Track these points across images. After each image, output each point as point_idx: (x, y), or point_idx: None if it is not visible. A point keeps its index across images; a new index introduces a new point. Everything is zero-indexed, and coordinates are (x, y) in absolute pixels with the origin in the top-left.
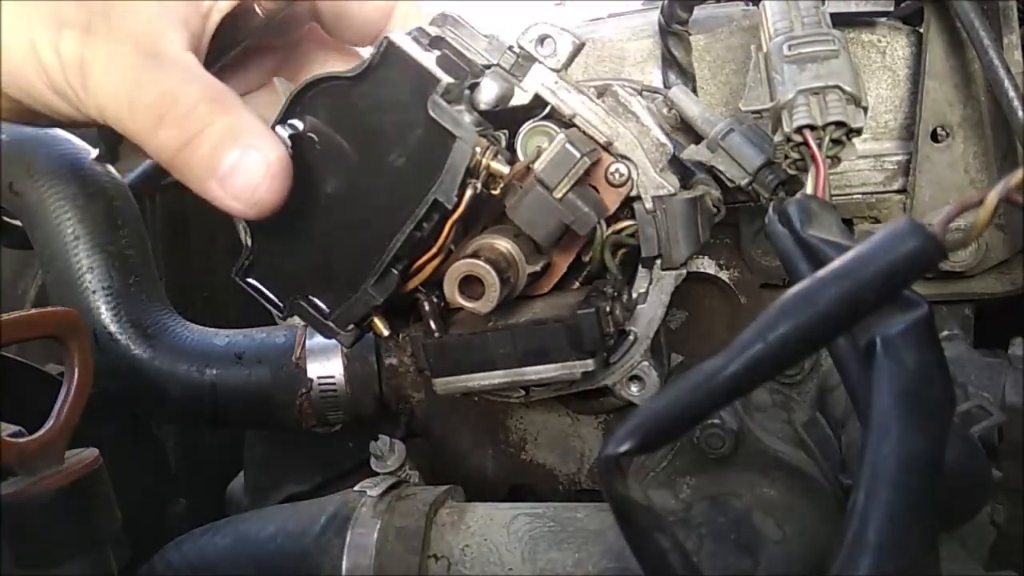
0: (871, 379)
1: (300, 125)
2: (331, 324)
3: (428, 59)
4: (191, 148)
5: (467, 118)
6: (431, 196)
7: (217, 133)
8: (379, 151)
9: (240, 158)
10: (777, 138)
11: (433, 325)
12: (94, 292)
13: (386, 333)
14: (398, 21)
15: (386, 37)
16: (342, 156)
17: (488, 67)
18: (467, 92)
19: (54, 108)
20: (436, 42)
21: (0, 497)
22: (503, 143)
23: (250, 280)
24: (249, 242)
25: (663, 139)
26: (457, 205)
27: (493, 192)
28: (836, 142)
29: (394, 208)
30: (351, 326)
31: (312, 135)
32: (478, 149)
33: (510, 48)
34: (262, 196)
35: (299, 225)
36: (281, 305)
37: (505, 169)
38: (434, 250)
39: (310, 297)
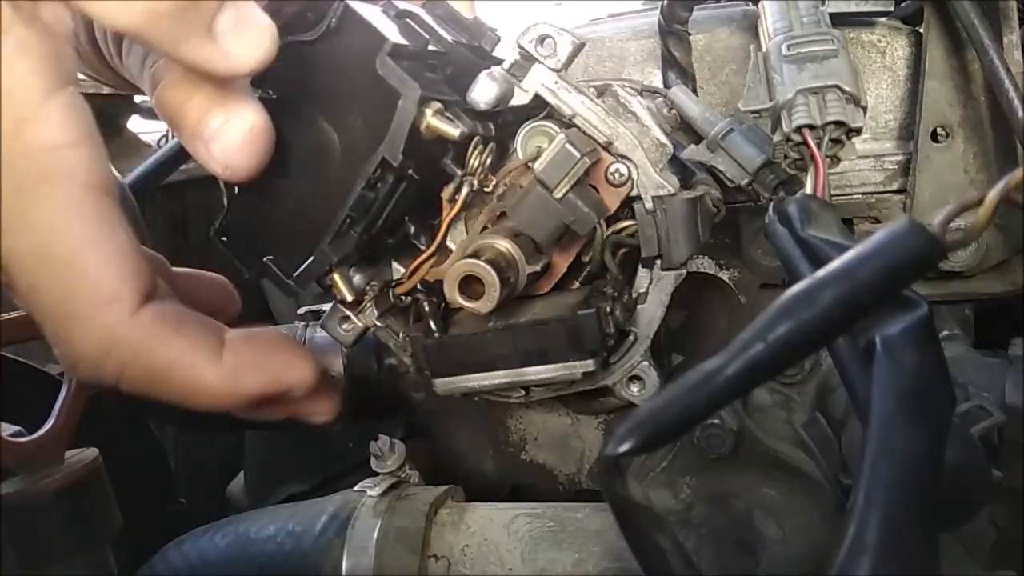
0: (871, 379)
1: (263, 87)
2: (292, 283)
3: (383, 22)
4: (183, 112)
5: (417, 83)
6: (378, 154)
7: (204, 97)
8: (338, 112)
9: (223, 123)
10: (776, 138)
11: (433, 325)
12: None
13: (349, 297)
14: None
15: (343, 1)
16: (304, 118)
17: (459, 43)
18: (432, 62)
19: None
20: (404, 14)
21: (0, 497)
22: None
23: (224, 240)
24: (226, 202)
25: (663, 139)
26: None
27: (487, 189)
28: (835, 142)
29: (353, 169)
30: (318, 291)
31: (274, 96)
32: (428, 111)
33: (492, 31)
34: (240, 160)
35: (266, 187)
36: (249, 266)
37: (453, 131)
38: (431, 249)
39: (277, 258)
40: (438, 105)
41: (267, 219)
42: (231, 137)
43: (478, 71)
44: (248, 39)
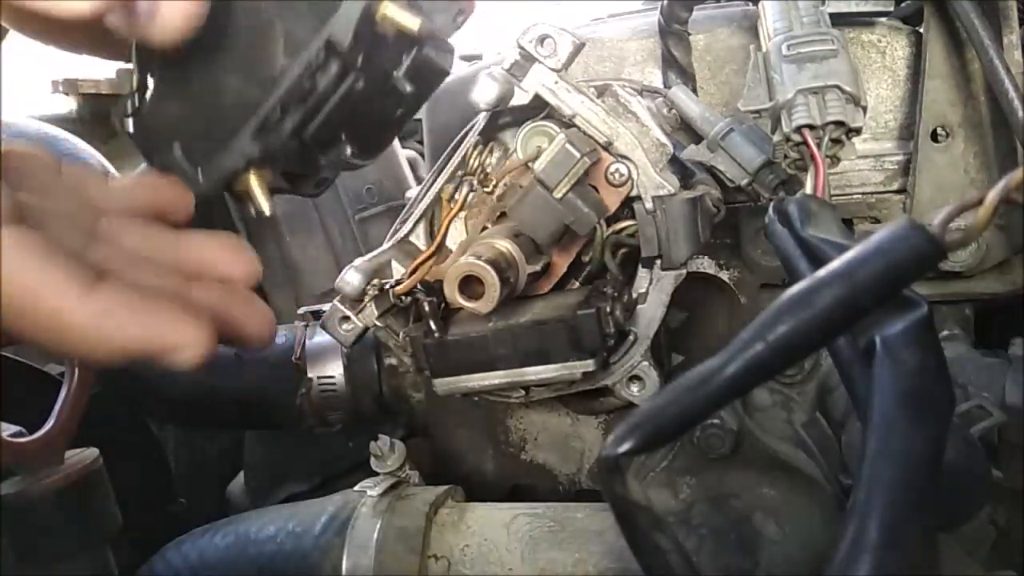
0: (871, 379)
1: None
2: (199, 177)
3: None
4: None
5: None
6: (324, 33)
7: None
8: None
9: None
10: (776, 138)
11: (433, 325)
12: None
13: (266, 209)
14: None
15: None
16: None
17: None
18: None
19: None
20: None
21: (0, 497)
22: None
23: (129, 124)
24: (135, 82)
25: (663, 139)
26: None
27: (487, 189)
28: (835, 141)
29: (291, 51)
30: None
31: None
32: None
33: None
34: (175, 14)
35: (188, 67)
36: (154, 156)
37: (414, 23)
38: (431, 249)
39: (188, 149)
40: None
41: (184, 105)
42: None
43: (447, 2)
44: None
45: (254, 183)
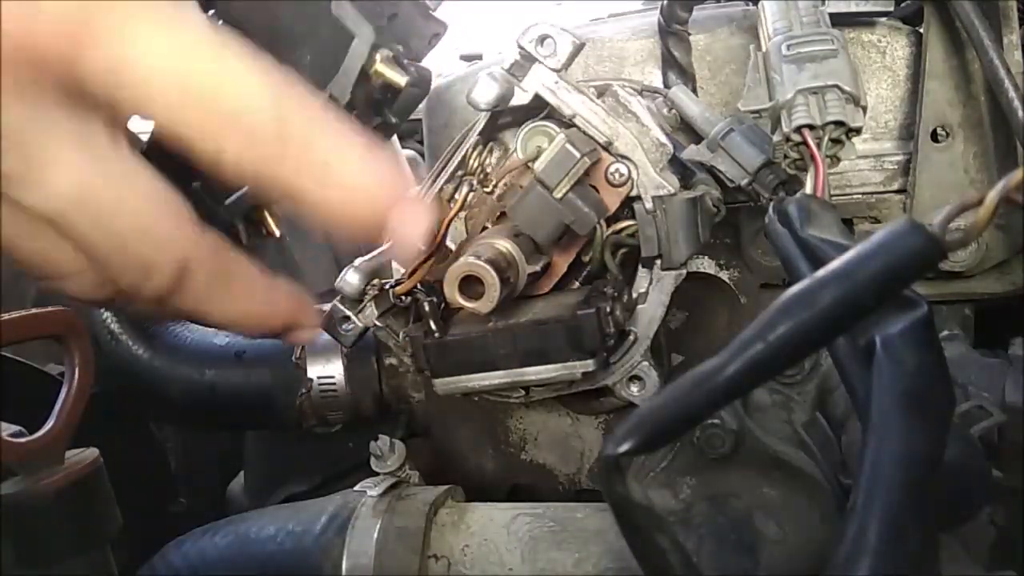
0: (871, 379)
1: (215, 16)
2: (221, 211)
3: None
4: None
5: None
6: (328, 90)
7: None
8: (286, 47)
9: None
10: (776, 138)
11: (433, 325)
12: None
13: (276, 232)
14: None
15: None
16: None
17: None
18: (379, 12)
19: None
20: None
21: (0, 497)
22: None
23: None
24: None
25: (663, 139)
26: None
27: (487, 189)
28: (835, 141)
29: None
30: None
31: (221, 24)
32: (378, 56)
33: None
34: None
35: None
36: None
37: (401, 79)
38: (431, 249)
39: (207, 186)
40: (388, 52)
41: None
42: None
43: (423, 30)
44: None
45: (267, 214)
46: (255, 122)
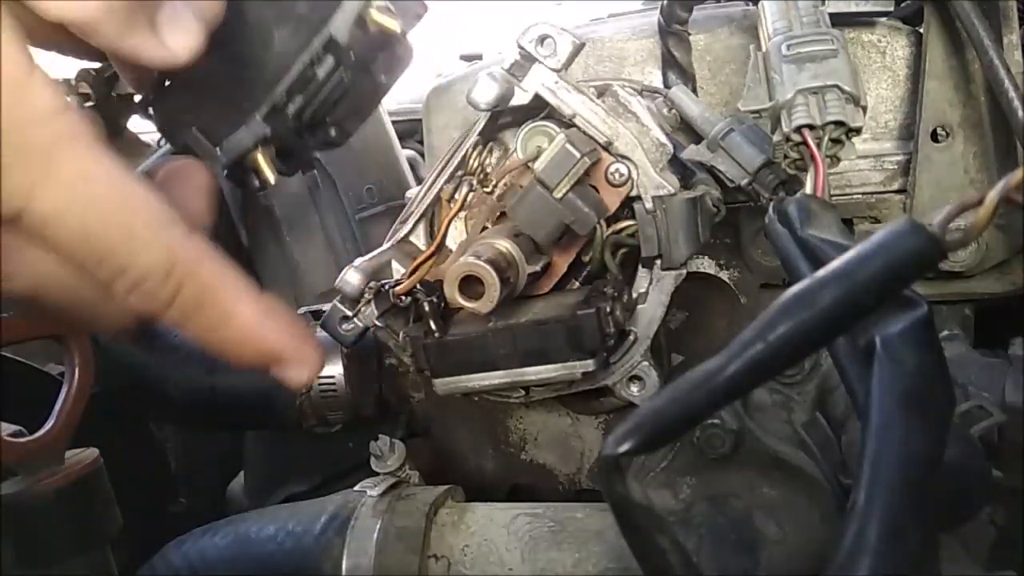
0: (871, 379)
1: None
2: (219, 153)
3: None
4: None
5: None
6: (326, 31)
7: None
8: None
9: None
10: (776, 138)
11: (433, 325)
12: None
13: (271, 179)
14: None
15: None
16: None
17: None
18: None
19: None
20: None
21: (0, 497)
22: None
23: (151, 111)
24: (156, 72)
25: (663, 139)
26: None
27: (487, 189)
28: (835, 141)
29: (296, 46)
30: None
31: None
32: (374, 2)
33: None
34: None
35: (202, 60)
36: (175, 137)
37: (395, 26)
38: (431, 249)
39: (204, 129)
40: (383, 3)
41: (200, 94)
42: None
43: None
44: (182, 32)
45: (261, 159)
46: (146, 277)
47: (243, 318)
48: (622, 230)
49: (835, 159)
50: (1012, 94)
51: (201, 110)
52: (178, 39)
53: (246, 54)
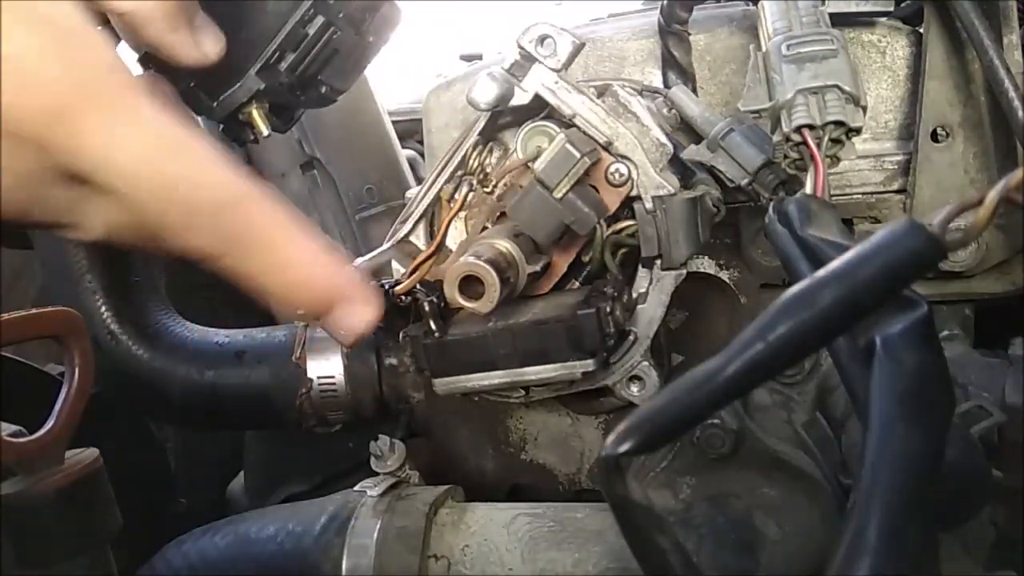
0: (871, 379)
1: None
2: (216, 107)
3: None
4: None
5: None
6: None
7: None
8: None
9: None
10: (776, 138)
11: (433, 325)
12: (94, 292)
13: (265, 132)
14: None
15: None
16: None
17: None
18: None
19: None
20: None
21: (0, 497)
22: None
23: (152, 68)
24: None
25: (663, 139)
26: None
27: (487, 189)
28: (835, 141)
29: (285, 7)
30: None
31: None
32: None
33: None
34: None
35: None
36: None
37: None
38: (431, 249)
39: (201, 85)
40: None
41: None
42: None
43: None
44: (213, 36)
45: (255, 112)
46: (213, 213)
47: (300, 252)
48: (622, 230)
49: (835, 159)
50: (1012, 94)
51: (200, 70)
52: (208, 42)
53: (241, 17)
